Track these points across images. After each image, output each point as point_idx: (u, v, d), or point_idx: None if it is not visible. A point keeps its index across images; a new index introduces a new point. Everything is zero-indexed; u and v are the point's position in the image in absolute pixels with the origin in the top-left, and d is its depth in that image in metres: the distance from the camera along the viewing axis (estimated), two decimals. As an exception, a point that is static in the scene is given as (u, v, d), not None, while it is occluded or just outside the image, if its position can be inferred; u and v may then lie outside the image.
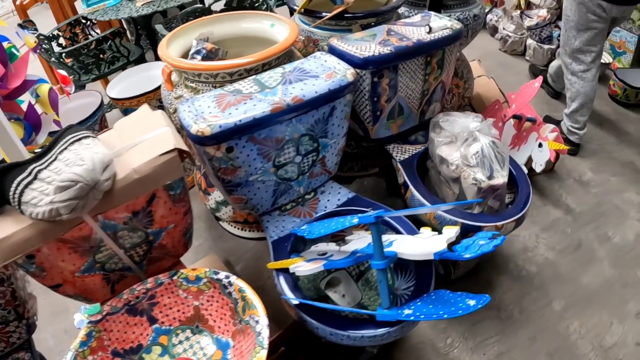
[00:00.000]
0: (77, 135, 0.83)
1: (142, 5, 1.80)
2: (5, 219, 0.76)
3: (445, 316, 0.78)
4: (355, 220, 0.92)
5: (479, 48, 2.83)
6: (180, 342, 0.93)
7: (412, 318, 0.84)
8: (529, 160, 1.67)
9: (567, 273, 1.51)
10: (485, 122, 1.28)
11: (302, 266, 0.95)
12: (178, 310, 0.94)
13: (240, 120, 0.91)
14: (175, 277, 0.92)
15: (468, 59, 1.88)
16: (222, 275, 0.91)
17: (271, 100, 0.97)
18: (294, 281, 0.99)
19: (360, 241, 1.07)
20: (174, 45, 1.25)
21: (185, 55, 1.26)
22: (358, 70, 1.15)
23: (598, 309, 1.39)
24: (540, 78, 1.68)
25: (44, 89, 1.19)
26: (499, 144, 1.26)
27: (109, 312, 0.87)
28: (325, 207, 1.18)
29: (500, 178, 1.20)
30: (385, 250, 0.92)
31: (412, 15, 1.53)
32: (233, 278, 0.90)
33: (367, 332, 0.89)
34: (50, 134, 1.25)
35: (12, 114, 1.18)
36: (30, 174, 0.76)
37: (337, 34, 1.36)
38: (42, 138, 1.29)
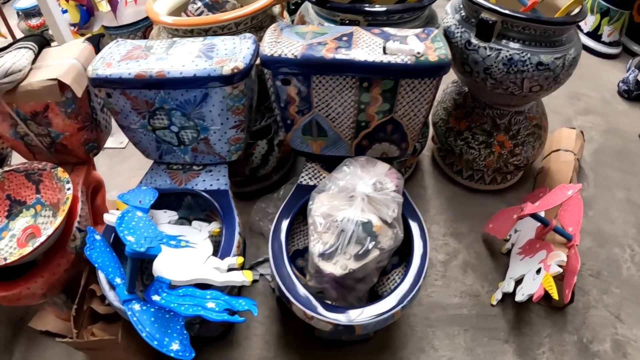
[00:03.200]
0: (22, 44, 1.40)
1: None
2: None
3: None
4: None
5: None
6: (46, 216, 1.52)
7: (129, 313, 1.14)
8: (521, 280, 1.46)
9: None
10: (388, 193, 1.21)
11: (113, 215, 1.33)
12: (51, 194, 1.50)
13: (110, 75, 1.27)
14: (52, 170, 1.47)
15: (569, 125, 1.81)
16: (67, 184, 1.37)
17: (152, 66, 1.27)
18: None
19: (191, 234, 1.34)
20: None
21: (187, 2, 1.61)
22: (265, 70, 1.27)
23: None
24: (577, 186, 1.43)
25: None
26: (387, 232, 1.19)
27: (13, 170, 1.50)
28: (197, 184, 1.44)
29: (334, 268, 1.15)
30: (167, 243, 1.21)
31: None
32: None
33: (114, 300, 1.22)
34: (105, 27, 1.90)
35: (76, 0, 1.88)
36: (-22, 61, 1.39)
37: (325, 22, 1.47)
38: (96, 27, 1.97)
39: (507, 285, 1.50)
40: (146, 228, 1.16)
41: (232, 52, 1.27)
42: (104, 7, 1.97)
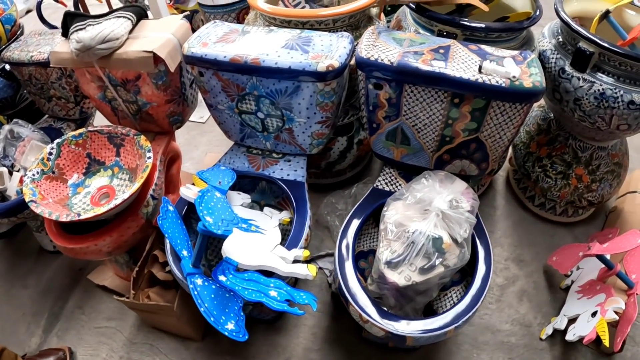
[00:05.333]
0: (122, 13, 1.46)
1: None
2: (65, 44, 1.46)
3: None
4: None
5: None
6: (123, 179, 1.58)
7: (191, 286, 1.17)
8: (574, 319, 1.45)
9: None
10: (463, 213, 1.22)
11: (190, 190, 1.39)
12: (130, 159, 1.57)
13: (206, 55, 1.31)
14: (135, 137, 1.53)
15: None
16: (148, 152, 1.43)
17: (246, 52, 1.30)
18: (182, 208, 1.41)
19: (262, 219, 1.39)
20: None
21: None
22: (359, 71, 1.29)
23: None
24: None
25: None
26: (455, 250, 1.19)
27: (98, 130, 1.57)
28: (274, 172, 1.48)
29: (398, 278, 1.17)
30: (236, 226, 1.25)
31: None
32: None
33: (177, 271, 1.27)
34: (200, 4, 1.95)
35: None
36: (84, 24, 1.45)
37: (421, 30, 1.48)
38: (191, 3, 2.02)
39: (560, 322, 1.49)
40: (223, 210, 1.20)
41: (329, 49, 1.29)
42: (200, -17, 2.03)
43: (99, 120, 1.87)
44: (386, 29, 1.39)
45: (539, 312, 1.59)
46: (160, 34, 1.42)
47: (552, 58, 1.47)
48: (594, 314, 1.40)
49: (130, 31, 1.46)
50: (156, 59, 1.37)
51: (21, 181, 1.65)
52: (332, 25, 1.45)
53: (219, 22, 1.47)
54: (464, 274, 1.39)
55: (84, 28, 1.41)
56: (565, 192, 1.69)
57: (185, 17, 1.51)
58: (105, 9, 2.62)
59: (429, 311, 1.38)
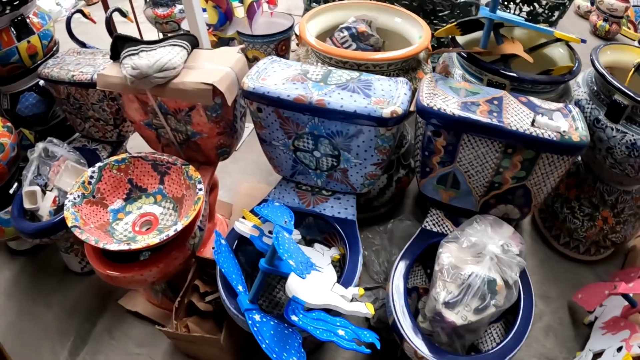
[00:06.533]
0: (177, 42, 1.51)
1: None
2: (113, 68, 1.50)
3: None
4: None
5: None
6: (167, 207, 1.62)
7: (249, 322, 1.23)
8: (600, 353, 1.55)
9: None
10: (514, 257, 1.32)
11: (244, 224, 1.45)
12: (176, 188, 1.61)
13: (268, 92, 1.37)
14: (183, 166, 1.57)
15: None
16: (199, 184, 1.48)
17: (310, 92, 1.36)
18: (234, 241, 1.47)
19: (314, 256, 1.45)
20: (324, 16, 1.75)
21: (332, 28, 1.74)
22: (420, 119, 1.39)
23: None
24: None
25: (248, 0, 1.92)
26: (504, 292, 1.28)
27: (141, 157, 1.61)
28: (325, 209, 1.54)
29: (455, 317, 1.26)
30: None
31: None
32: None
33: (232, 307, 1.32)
34: (239, 33, 2.00)
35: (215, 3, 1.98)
36: (137, 50, 1.48)
37: (467, 75, 1.59)
38: (230, 31, 2.07)
39: (585, 357, 1.61)
40: (297, 252, 1.26)
41: (389, 95, 1.37)
42: (238, 13, 2.06)
43: (134, 143, 1.89)
44: (442, 77, 1.49)
45: (563, 346, 1.71)
46: (218, 67, 1.46)
47: (587, 108, 1.59)
48: (619, 349, 1.52)
49: (184, 60, 1.50)
50: (214, 91, 1.41)
51: (54, 201, 1.66)
52: (385, 68, 1.53)
53: (276, 58, 1.53)
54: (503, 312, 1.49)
55: (138, 54, 1.44)
56: (591, 232, 1.82)
57: (241, 49, 1.55)
58: (134, 27, 2.64)
59: (470, 347, 1.47)
